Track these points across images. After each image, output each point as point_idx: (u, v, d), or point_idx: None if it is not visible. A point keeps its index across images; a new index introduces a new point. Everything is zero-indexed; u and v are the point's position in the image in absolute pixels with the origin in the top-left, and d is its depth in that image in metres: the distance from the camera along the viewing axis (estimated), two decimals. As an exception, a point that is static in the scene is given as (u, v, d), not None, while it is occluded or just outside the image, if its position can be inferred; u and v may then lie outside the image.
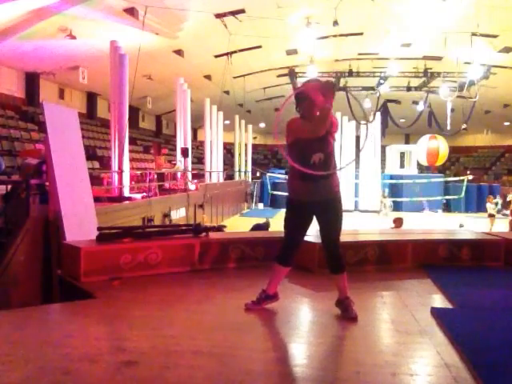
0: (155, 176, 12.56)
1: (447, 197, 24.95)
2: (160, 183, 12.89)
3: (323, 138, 3.19)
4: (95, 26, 13.91)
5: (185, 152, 14.29)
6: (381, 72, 21.84)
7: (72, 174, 5.89)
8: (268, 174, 25.97)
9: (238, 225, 16.32)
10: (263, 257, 4.78)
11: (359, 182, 24.12)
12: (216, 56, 18.94)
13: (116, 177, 11.07)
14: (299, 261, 4.73)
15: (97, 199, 7.39)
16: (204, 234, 4.83)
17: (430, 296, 3.93)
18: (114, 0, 12.84)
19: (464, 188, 23.78)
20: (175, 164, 15.38)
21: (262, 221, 12.76)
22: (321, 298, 3.82)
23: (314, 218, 3.35)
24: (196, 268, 4.56)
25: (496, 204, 17.58)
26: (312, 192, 3.20)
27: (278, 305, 3.44)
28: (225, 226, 5.80)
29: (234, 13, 15.11)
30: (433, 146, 25.00)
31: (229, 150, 30.51)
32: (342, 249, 3.36)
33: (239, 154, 26.50)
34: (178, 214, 12.45)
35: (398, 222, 11.21)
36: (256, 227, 11.11)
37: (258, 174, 27.83)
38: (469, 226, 14.39)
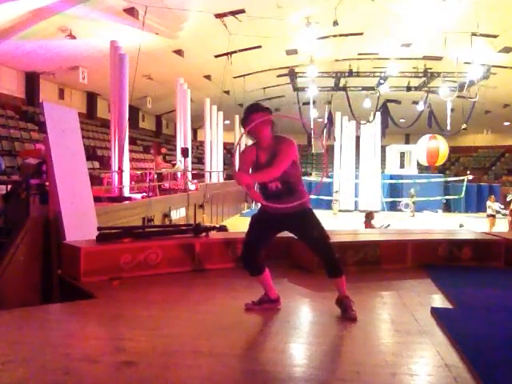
0: (155, 176, 12.56)
1: (447, 197, 24.96)
2: (159, 183, 12.88)
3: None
4: (95, 26, 13.91)
5: (185, 152, 14.27)
6: (381, 72, 21.84)
7: (72, 174, 5.89)
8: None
9: (238, 225, 16.30)
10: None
11: (359, 182, 24.14)
12: (216, 56, 18.94)
13: (116, 177, 11.08)
14: (299, 261, 4.75)
15: (97, 199, 7.38)
16: (204, 233, 4.83)
17: (429, 296, 3.93)
18: (113, 0, 12.83)
19: (464, 188, 23.80)
20: (175, 164, 15.37)
21: None
22: (321, 298, 3.82)
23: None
24: (196, 268, 4.56)
25: (497, 208, 17.61)
26: (280, 206, 3.15)
27: (277, 305, 3.44)
28: (225, 226, 5.80)
29: (234, 13, 15.11)
30: (433, 146, 25.01)
31: (229, 150, 30.52)
32: (338, 252, 3.35)
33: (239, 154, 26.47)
34: (178, 214, 12.45)
35: (370, 217, 11.39)
36: None
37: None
38: (469, 226, 14.41)
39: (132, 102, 12.39)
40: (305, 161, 34.88)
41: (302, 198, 3.20)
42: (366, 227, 10.95)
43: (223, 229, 5.43)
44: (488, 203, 17.35)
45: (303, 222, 3.25)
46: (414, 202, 22.75)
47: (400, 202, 23.83)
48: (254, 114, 3.16)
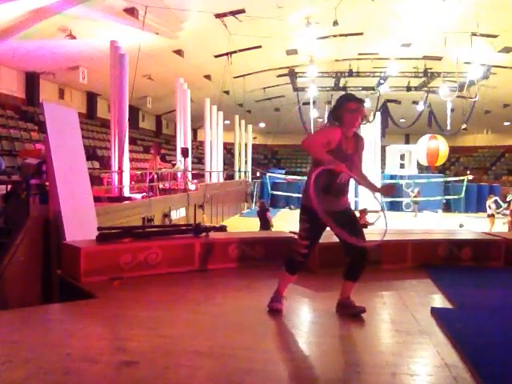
0: (155, 176, 12.56)
1: (447, 197, 24.95)
2: (159, 183, 12.87)
3: (357, 163, 3.30)
4: (95, 26, 13.90)
5: (185, 152, 14.28)
6: (381, 72, 21.83)
7: (72, 173, 5.89)
8: (268, 174, 25.99)
9: (238, 225, 16.32)
10: (263, 257, 4.77)
11: (359, 182, 24.09)
12: (216, 56, 18.94)
13: (116, 177, 11.07)
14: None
15: (97, 199, 7.38)
16: (204, 233, 4.83)
17: (430, 296, 3.93)
18: (113, 0, 12.83)
19: (464, 188, 23.77)
20: (175, 164, 15.36)
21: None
22: (321, 298, 3.82)
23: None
24: (196, 268, 4.56)
25: (496, 203, 17.55)
26: (330, 203, 3.20)
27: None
28: (226, 226, 5.81)
29: (234, 13, 15.10)
30: (433, 146, 24.98)
31: (229, 149, 30.51)
32: (338, 251, 3.36)
33: (239, 154, 26.51)
34: (178, 214, 12.45)
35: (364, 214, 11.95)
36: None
37: (258, 174, 27.85)
38: (469, 226, 14.40)
39: (132, 102, 12.38)
40: (304, 160, 34.91)
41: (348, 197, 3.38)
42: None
43: (222, 229, 5.43)
44: (488, 203, 17.34)
45: (350, 218, 3.33)
46: (416, 202, 22.71)
47: (402, 201, 23.82)
48: (352, 102, 3.25)
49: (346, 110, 3.21)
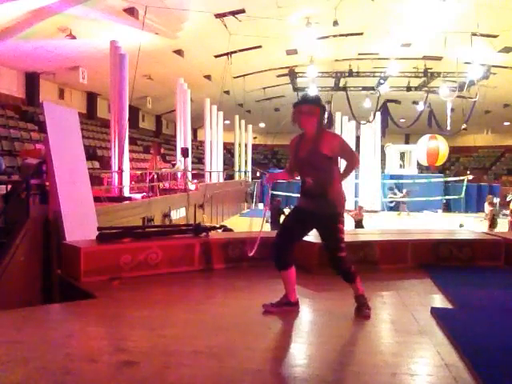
0: (155, 176, 12.56)
1: (447, 197, 24.95)
2: (158, 183, 12.88)
3: (316, 163, 3.23)
4: (95, 26, 13.91)
5: (185, 152, 14.30)
6: (381, 72, 21.83)
7: (72, 173, 5.90)
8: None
9: (238, 225, 16.31)
10: (263, 257, 4.77)
11: (359, 182, 24.12)
12: (216, 56, 18.94)
13: (116, 177, 11.08)
14: (299, 261, 4.74)
15: (97, 199, 7.38)
16: (204, 233, 4.84)
17: (430, 296, 3.93)
18: (113, 0, 12.84)
19: (464, 188, 23.78)
20: (175, 164, 15.38)
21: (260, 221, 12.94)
22: (321, 298, 3.82)
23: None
24: (196, 268, 4.56)
25: (494, 205, 17.53)
26: (304, 202, 3.31)
27: (278, 305, 3.43)
28: (225, 226, 5.80)
29: (234, 13, 15.11)
30: (433, 146, 24.99)
31: (229, 150, 30.52)
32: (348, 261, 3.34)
33: (239, 154, 26.51)
34: (178, 214, 12.46)
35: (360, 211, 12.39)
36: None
37: (258, 174, 27.85)
38: (469, 226, 14.41)
39: (132, 102, 12.39)
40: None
41: (332, 200, 3.26)
42: (355, 215, 11.99)
43: (228, 229, 5.44)
44: (486, 204, 17.32)
45: (325, 225, 3.30)
46: (404, 202, 22.76)
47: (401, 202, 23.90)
48: (302, 105, 3.26)
49: (299, 112, 3.29)
